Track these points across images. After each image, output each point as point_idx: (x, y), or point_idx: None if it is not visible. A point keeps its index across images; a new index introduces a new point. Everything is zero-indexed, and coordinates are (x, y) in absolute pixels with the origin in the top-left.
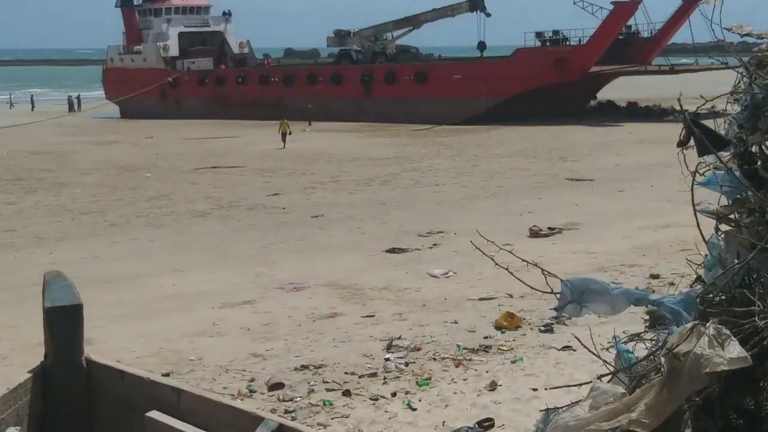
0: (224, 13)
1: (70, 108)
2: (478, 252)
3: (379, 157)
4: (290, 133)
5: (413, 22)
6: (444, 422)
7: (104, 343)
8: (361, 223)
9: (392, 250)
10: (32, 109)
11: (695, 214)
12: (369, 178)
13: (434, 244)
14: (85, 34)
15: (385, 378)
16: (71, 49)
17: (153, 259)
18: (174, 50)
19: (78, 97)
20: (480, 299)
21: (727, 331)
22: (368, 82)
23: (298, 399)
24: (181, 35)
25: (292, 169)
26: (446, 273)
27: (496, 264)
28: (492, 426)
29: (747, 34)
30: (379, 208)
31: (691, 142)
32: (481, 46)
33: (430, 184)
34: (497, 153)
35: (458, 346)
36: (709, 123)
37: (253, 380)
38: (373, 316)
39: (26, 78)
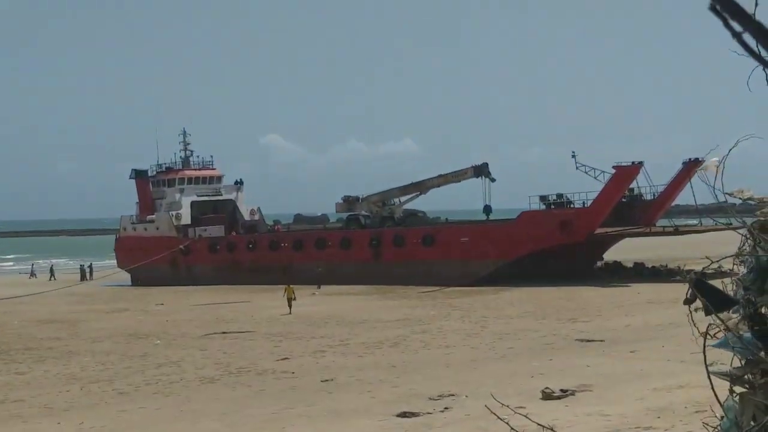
0: (236, 182)
1: (83, 276)
2: (492, 415)
3: (388, 319)
4: (295, 299)
5: (420, 187)
6: None
7: None
8: (371, 386)
9: (403, 414)
10: (51, 279)
11: (708, 376)
12: (378, 340)
13: (446, 408)
14: (102, 204)
15: None
16: (89, 219)
17: (160, 429)
18: (186, 218)
19: (90, 266)
20: None
21: None
22: (377, 246)
23: None
24: (193, 204)
25: (302, 333)
26: None
27: (512, 429)
28: None
29: (748, 199)
30: (389, 371)
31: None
32: (487, 209)
33: (440, 346)
34: (506, 314)
35: None
36: (716, 283)
37: None
38: None
39: (45, 248)
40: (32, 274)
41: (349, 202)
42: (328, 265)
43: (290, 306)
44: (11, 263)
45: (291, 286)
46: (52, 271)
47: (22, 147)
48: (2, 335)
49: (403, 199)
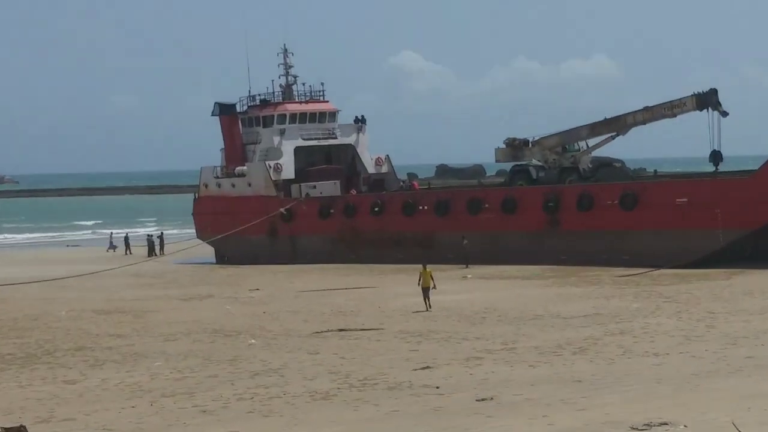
0: (356, 120)
1: (150, 251)
2: None
3: (570, 314)
4: (434, 287)
5: (616, 125)
6: None
7: None
8: (547, 409)
9: None
10: (126, 252)
11: None
12: (557, 344)
13: None
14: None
15: None
16: (156, 171)
17: None
18: (289, 171)
19: (160, 237)
20: None
21: None
22: (554, 209)
23: None
24: (298, 151)
25: (449, 331)
26: None
27: None
28: None
29: None
30: (572, 388)
31: None
32: (716, 157)
33: (646, 353)
34: (743, 308)
35: None
36: None
37: None
38: None
39: (113, 210)
40: (111, 246)
41: (515, 147)
42: (484, 236)
43: (427, 299)
44: (88, 231)
45: (428, 269)
46: (127, 242)
47: (74, 78)
48: (46, 330)
49: (592, 142)
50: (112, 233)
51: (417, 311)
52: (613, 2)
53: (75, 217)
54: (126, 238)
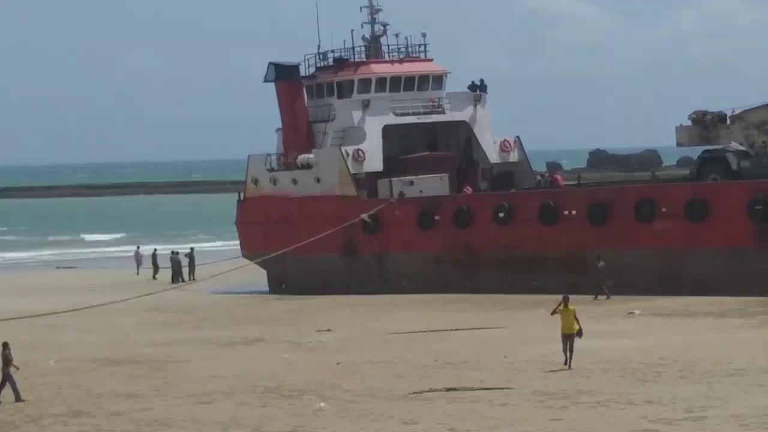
0: (473, 87)
1: (175, 276)
2: None
3: None
4: (579, 331)
5: None
6: None
7: None
8: None
9: None
10: (154, 277)
11: None
12: (767, 412)
13: None
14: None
15: None
16: (178, 161)
17: None
18: (375, 159)
19: (190, 255)
20: None
21: None
22: (763, 216)
23: None
24: (389, 131)
25: (607, 392)
26: None
27: None
28: None
29: None
30: None
31: None
32: None
33: None
34: None
35: None
36: None
37: None
38: None
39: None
40: (139, 263)
41: (706, 124)
42: (660, 254)
43: (569, 350)
44: (116, 247)
45: (570, 305)
46: (155, 261)
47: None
48: (28, 388)
49: None
50: (139, 247)
51: (558, 368)
52: None
53: (80, 225)
54: (154, 256)
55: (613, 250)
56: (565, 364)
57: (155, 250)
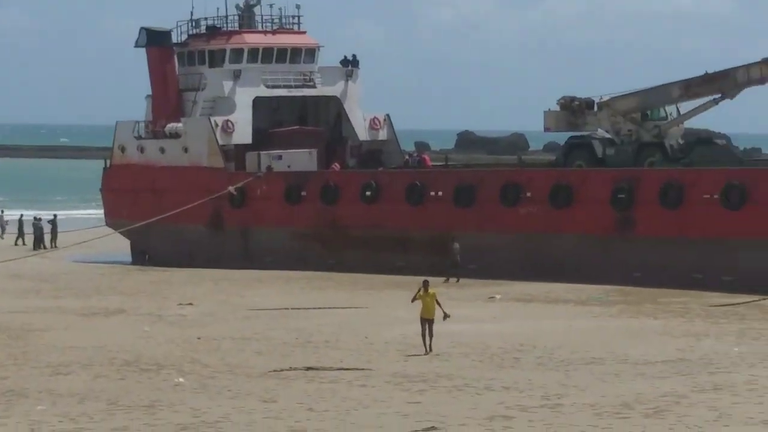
0: (345, 62)
1: (37, 242)
2: None
3: (644, 358)
4: (445, 315)
5: (722, 84)
6: None
7: None
8: None
9: None
10: (18, 242)
11: None
12: (623, 402)
13: None
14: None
15: None
16: (51, 123)
17: None
18: (244, 132)
19: (52, 222)
20: None
21: None
22: (626, 204)
23: None
24: (259, 103)
25: (465, 377)
26: None
27: None
28: None
29: None
30: None
31: None
32: None
33: (751, 420)
34: None
35: None
36: None
37: None
38: None
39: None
40: (2, 228)
41: (574, 110)
42: (523, 239)
43: (428, 335)
44: None
45: (431, 289)
46: (21, 228)
47: None
48: None
49: (686, 107)
50: (2, 211)
51: (418, 351)
52: None
53: None
54: (20, 221)
55: (478, 233)
56: (426, 352)
57: (21, 215)
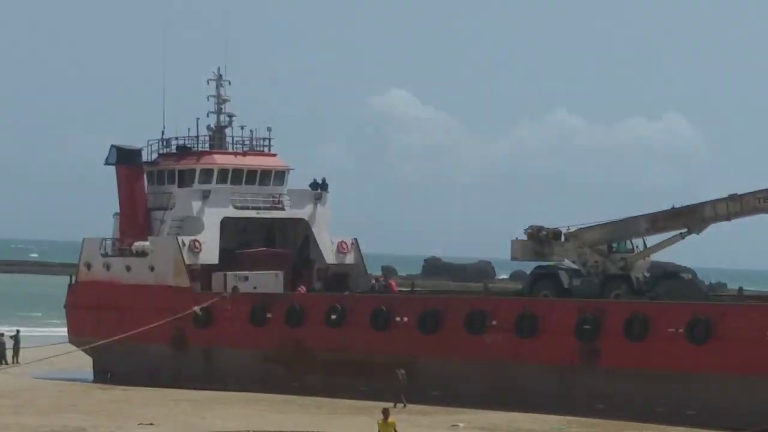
0: (314, 186)
1: (0, 357)
2: None
3: None
4: None
5: (689, 218)
6: None
7: None
8: None
9: None
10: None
11: None
12: None
13: None
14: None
15: None
16: (18, 238)
17: None
18: (211, 252)
19: (15, 337)
20: None
21: None
22: (591, 335)
23: None
24: (227, 224)
25: None
26: None
27: None
28: None
29: None
30: None
31: None
32: None
33: None
34: None
35: None
36: None
37: None
38: None
39: None
40: None
41: (541, 240)
42: (488, 367)
43: None
44: None
45: (391, 418)
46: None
47: None
48: None
49: (653, 240)
50: None
51: None
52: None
53: None
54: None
55: (442, 359)
56: None
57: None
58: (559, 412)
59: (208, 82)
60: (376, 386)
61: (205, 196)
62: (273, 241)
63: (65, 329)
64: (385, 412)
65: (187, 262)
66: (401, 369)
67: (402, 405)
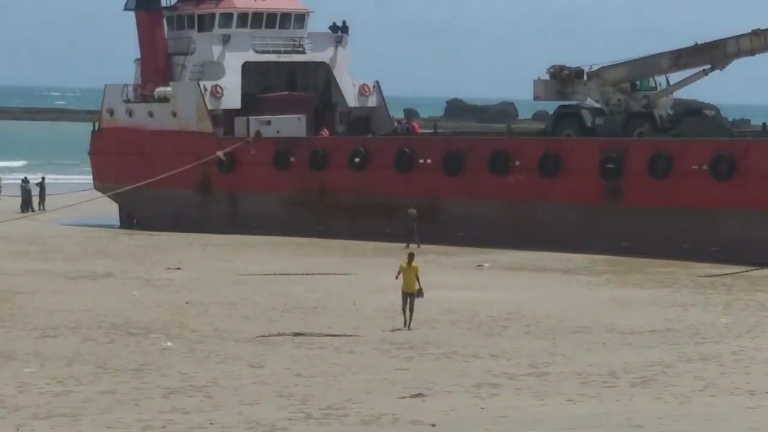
0: (335, 29)
1: (25, 205)
2: None
3: (630, 327)
4: (420, 291)
5: (712, 55)
6: None
7: None
8: None
9: None
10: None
11: None
12: (610, 371)
13: None
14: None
15: None
16: (38, 85)
17: None
18: (233, 97)
19: (41, 184)
20: None
21: None
22: (614, 174)
23: None
24: (248, 68)
25: (453, 344)
26: None
27: None
28: None
29: None
30: None
31: None
32: None
33: (738, 391)
34: None
35: None
36: None
37: None
38: None
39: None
40: None
41: (563, 79)
42: (511, 207)
43: (409, 310)
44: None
45: (414, 262)
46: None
47: None
48: None
49: (676, 78)
50: None
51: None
52: None
53: None
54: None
55: (466, 200)
56: (405, 325)
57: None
58: (584, 251)
59: None
60: (400, 228)
61: (226, 40)
62: (294, 85)
63: (91, 176)
64: (410, 257)
65: (210, 107)
66: (412, 208)
67: (416, 246)
